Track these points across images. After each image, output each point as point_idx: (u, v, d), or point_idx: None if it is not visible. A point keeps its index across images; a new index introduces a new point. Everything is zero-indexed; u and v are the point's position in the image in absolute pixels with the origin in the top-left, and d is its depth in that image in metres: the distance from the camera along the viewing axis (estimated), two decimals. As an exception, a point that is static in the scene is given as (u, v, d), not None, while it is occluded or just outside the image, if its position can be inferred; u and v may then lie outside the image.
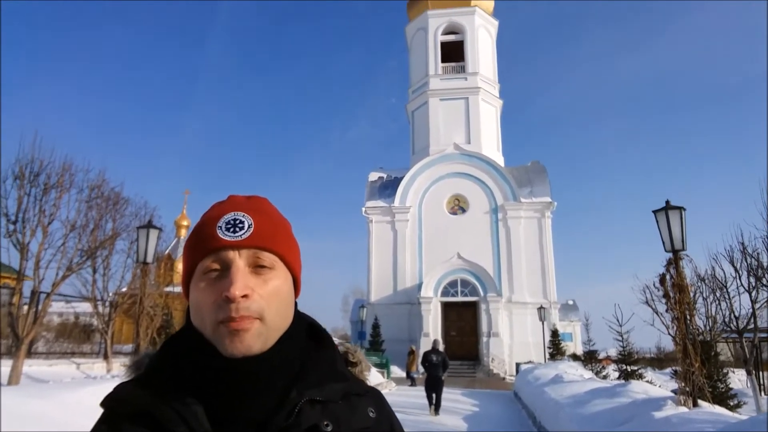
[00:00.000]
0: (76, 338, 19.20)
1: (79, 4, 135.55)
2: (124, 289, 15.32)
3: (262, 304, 0.77)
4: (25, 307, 11.63)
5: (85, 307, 17.46)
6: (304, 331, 0.88)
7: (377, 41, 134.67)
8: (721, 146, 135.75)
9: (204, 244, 0.80)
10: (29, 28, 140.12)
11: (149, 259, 8.92)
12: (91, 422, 0.80)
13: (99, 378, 8.75)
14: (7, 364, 10.53)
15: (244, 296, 0.75)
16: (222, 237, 0.79)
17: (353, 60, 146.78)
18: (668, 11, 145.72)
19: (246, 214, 0.83)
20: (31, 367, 11.69)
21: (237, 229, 0.80)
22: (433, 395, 12.96)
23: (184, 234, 35.17)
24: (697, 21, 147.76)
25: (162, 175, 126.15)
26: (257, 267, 0.80)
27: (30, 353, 12.33)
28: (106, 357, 13.74)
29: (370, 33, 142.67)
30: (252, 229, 0.81)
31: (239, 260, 0.79)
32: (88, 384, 6.34)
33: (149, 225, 8.98)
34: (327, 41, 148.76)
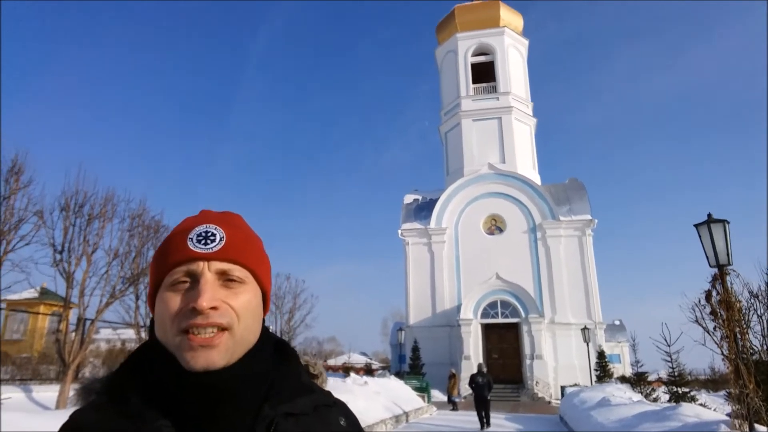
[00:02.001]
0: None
1: (117, 39, 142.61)
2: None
3: (233, 315, 0.76)
4: (73, 334, 12.02)
5: (131, 333, 17.94)
6: (272, 346, 0.87)
7: (408, 66, 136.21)
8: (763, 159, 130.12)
9: (173, 256, 0.79)
10: (72, 61, 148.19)
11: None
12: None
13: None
14: (54, 389, 10.86)
15: (213, 308, 0.74)
16: (192, 248, 0.78)
17: (385, 86, 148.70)
18: (707, 24, 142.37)
19: (218, 227, 0.82)
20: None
21: (208, 241, 0.79)
22: (483, 412, 14.83)
23: (224, 261, 35.90)
24: (735, 33, 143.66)
25: (202, 203, 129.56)
26: (227, 280, 0.79)
27: (77, 378, 12.69)
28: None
29: (400, 59, 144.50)
30: (224, 241, 0.80)
31: (209, 273, 0.77)
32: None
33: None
34: (358, 69, 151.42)
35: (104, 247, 12.18)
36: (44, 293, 21.64)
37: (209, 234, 0.80)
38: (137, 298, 14.17)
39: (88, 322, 11.81)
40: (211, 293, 0.75)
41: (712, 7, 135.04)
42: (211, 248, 0.78)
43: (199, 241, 0.79)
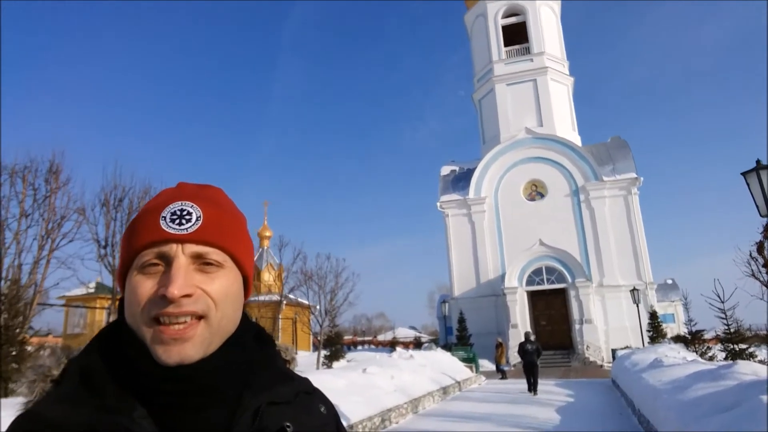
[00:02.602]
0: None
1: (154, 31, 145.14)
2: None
3: (209, 302, 0.70)
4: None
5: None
6: (252, 334, 0.81)
7: (439, 39, 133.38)
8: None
9: (144, 236, 0.71)
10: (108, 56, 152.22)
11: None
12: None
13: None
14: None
15: (187, 296, 0.68)
16: (165, 229, 0.71)
17: (417, 61, 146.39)
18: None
19: (195, 205, 0.74)
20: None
21: (183, 221, 0.72)
22: (531, 378, 15.38)
23: (267, 244, 36.54)
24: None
25: (242, 189, 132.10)
26: (204, 264, 0.71)
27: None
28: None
29: (430, 31, 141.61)
30: (200, 222, 0.72)
31: (182, 256, 0.70)
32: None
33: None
34: (390, 44, 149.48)
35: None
36: (99, 287, 22.69)
37: (184, 213, 0.72)
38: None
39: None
40: (183, 279, 0.68)
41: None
42: (186, 229, 0.71)
43: (173, 221, 0.72)
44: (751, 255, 5.82)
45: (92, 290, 22.28)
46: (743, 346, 12.00)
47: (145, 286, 0.69)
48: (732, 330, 11.85)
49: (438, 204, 34.30)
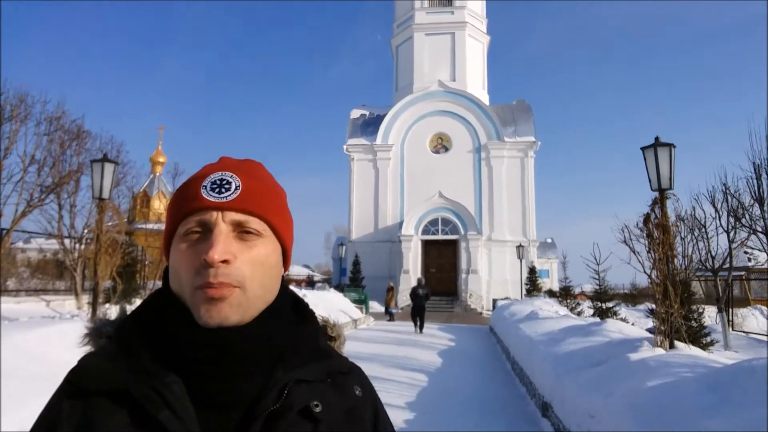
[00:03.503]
0: (51, 275, 18.84)
1: None
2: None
3: (244, 271, 0.71)
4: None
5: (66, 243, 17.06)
6: (290, 307, 0.83)
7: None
8: (709, 88, 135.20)
9: (186, 204, 0.75)
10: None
11: (105, 194, 8.39)
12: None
13: (58, 317, 8.46)
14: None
15: (225, 261, 0.70)
16: (205, 197, 0.74)
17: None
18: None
19: (234, 175, 0.76)
20: (-5, 304, 11.34)
21: (223, 189, 0.74)
22: (417, 319, 16.98)
23: (160, 171, 34.23)
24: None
25: (137, 111, 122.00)
26: (243, 232, 0.74)
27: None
28: (76, 294, 13.46)
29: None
30: (239, 191, 0.75)
31: (222, 223, 0.73)
32: (40, 325, 6.03)
33: (104, 159, 8.40)
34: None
35: (18, 153, 11.09)
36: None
37: (224, 182, 0.75)
38: (60, 207, 13.25)
39: (4, 232, 10.97)
40: (223, 246, 0.70)
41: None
42: (226, 197, 0.74)
43: (213, 189, 0.74)
44: (637, 225, 6.28)
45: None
46: (609, 304, 13.30)
47: (187, 253, 0.72)
48: (602, 289, 13.05)
49: (344, 147, 33.91)
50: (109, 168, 8.34)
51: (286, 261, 0.81)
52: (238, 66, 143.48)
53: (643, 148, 6.25)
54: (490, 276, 30.85)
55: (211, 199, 0.73)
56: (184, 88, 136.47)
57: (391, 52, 38.10)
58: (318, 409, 0.71)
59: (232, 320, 0.70)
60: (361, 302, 23.25)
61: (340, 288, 26.37)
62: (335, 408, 0.74)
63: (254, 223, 0.74)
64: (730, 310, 14.26)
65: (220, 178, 0.75)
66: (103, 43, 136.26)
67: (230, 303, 0.70)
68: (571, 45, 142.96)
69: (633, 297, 32.23)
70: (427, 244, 30.54)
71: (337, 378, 0.79)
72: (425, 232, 30.38)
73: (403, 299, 27.72)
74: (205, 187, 0.74)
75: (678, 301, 5.60)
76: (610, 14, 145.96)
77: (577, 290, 22.89)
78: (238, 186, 0.75)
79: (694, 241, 12.43)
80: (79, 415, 0.67)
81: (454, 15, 35.25)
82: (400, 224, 30.91)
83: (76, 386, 0.69)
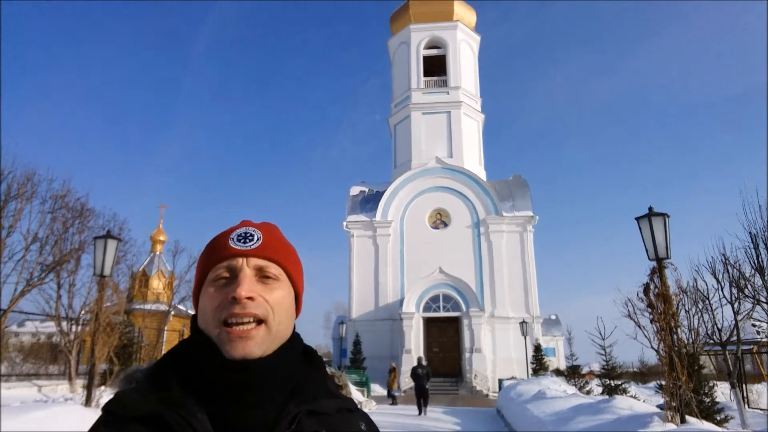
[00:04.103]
0: (44, 359, 18.38)
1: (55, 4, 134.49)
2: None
3: (267, 308, 0.83)
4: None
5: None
6: (300, 349, 0.92)
7: (360, 60, 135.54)
8: (702, 159, 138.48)
9: (216, 253, 0.88)
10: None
11: (107, 271, 8.39)
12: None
13: (51, 401, 8.15)
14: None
15: (250, 298, 0.81)
16: (233, 246, 0.87)
17: (336, 79, 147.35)
18: (644, 31, 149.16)
19: (257, 230, 0.91)
20: (-15, 389, 10.96)
21: (247, 240, 0.88)
22: (421, 400, 16.93)
23: (160, 250, 34.24)
24: (668, 42, 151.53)
25: (139, 191, 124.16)
26: (264, 277, 0.86)
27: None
28: (70, 378, 13.04)
29: (353, 52, 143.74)
30: (261, 241, 0.88)
31: (247, 268, 0.85)
32: (33, 409, 5.80)
33: (107, 235, 8.47)
34: (310, 61, 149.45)
35: (22, 231, 11.19)
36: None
37: (248, 234, 0.89)
38: (59, 287, 13.13)
39: (1, 313, 10.82)
40: (248, 285, 0.82)
41: (647, 15, 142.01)
42: (250, 246, 0.87)
43: (239, 240, 0.88)
44: (638, 295, 6.21)
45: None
46: (618, 381, 12.85)
47: (216, 294, 0.84)
48: (609, 366, 12.67)
49: (344, 223, 34.17)
50: (111, 245, 8.39)
51: (297, 306, 0.93)
52: (238, 145, 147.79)
53: (637, 218, 6.32)
54: (494, 355, 30.02)
55: (238, 247, 0.86)
56: (185, 166, 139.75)
57: (389, 130, 39.37)
58: None
59: (256, 354, 0.80)
60: (362, 384, 22.48)
61: (340, 370, 25.60)
62: None
63: (273, 269, 0.87)
64: (744, 385, 13.78)
65: (244, 231, 0.89)
66: (109, 122, 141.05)
67: (255, 340, 0.80)
68: (565, 120, 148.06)
69: (642, 375, 31.21)
70: (428, 322, 29.96)
71: (345, 414, 0.87)
72: (426, 309, 29.91)
73: (406, 381, 26.81)
74: (233, 238, 0.88)
75: (686, 374, 5.43)
76: (602, 88, 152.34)
77: (585, 369, 22.25)
78: (260, 237, 0.88)
79: (699, 313, 12.21)
80: None
81: (449, 95, 36.77)
82: (401, 301, 30.49)
83: (113, 415, 0.78)
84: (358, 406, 0.92)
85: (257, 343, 0.80)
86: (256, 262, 0.85)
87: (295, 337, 0.90)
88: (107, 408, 0.79)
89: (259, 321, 0.81)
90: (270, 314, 0.82)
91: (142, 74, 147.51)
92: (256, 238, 0.88)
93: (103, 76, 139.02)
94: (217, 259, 0.86)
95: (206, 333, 0.82)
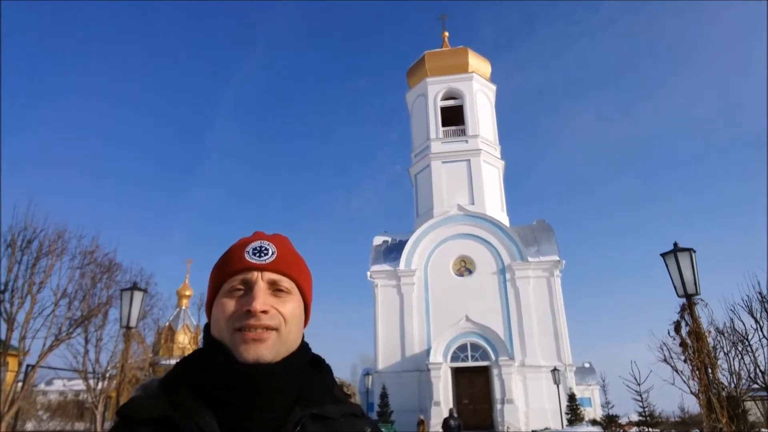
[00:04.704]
0: (70, 416, 18.39)
1: (79, 71, 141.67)
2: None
3: (281, 319, 0.87)
4: (20, 384, 11.10)
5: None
6: (308, 357, 0.96)
7: (379, 113, 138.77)
8: (729, 196, 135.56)
9: (232, 265, 0.91)
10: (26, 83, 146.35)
11: (132, 323, 8.49)
12: None
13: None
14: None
15: (264, 312, 0.85)
16: (248, 260, 0.90)
17: (356, 132, 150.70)
18: (665, 73, 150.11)
19: (271, 243, 0.94)
20: (13, 446, 10.98)
21: (262, 254, 0.91)
22: None
23: (186, 304, 34.53)
24: (688, 83, 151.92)
25: (166, 248, 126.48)
26: (276, 290, 0.90)
27: (15, 432, 11.66)
28: (95, 434, 12.97)
29: (371, 106, 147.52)
30: (275, 255, 0.92)
31: (261, 281, 0.89)
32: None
33: (133, 287, 8.62)
34: (330, 115, 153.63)
35: (51, 287, 11.45)
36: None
37: (263, 248, 0.92)
38: (86, 341, 13.28)
39: (29, 368, 10.94)
40: (263, 298, 0.86)
41: (659, 62, 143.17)
42: (265, 260, 0.90)
43: (254, 254, 0.91)
44: (669, 334, 5.99)
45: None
46: (656, 430, 12.21)
47: (231, 304, 0.87)
48: (647, 413, 12.07)
49: (368, 274, 34.07)
50: (138, 296, 8.53)
51: (306, 316, 0.97)
52: (262, 200, 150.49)
53: (663, 255, 6.18)
54: (527, 406, 28.89)
55: (253, 261, 0.90)
56: (210, 221, 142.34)
57: (410, 180, 39.77)
58: None
59: (267, 358, 0.83)
60: (390, 438, 21.79)
61: (367, 422, 24.85)
62: None
63: (286, 282, 0.91)
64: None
65: (259, 245, 0.93)
66: (137, 179, 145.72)
67: (267, 344, 0.83)
68: (586, 163, 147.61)
69: (684, 424, 29.52)
70: (457, 372, 29.16)
71: (350, 419, 0.90)
72: (454, 358, 29.18)
73: (435, 433, 25.94)
74: (248, 252, 0.91)
75: (726, 416, 5.15)
76: (623, 129, 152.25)
77: (623, 420, 21.23)
78: (274, 252, 0.92)
79: (739, 355, 11.66)
80: None
81: (468, 143, 37.18)
82: (428, 351, 29.85)
83: (126, 417, 0.81)
84: (363, 412, 0.95)
85: (268, 347, 0.83)
86: (270, 276, 0.89)
87: (303, 345, 0.94)
88: (121, 411, 0.82)
89: (272, 329, 0.85)
90: (282, 325, 0.86)
91: (166, 129, 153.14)
92: (270, 252, 0.91)
93: (129, 132, 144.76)
94: (232, 271, 0.89)
95: (219, 340, 0.86)
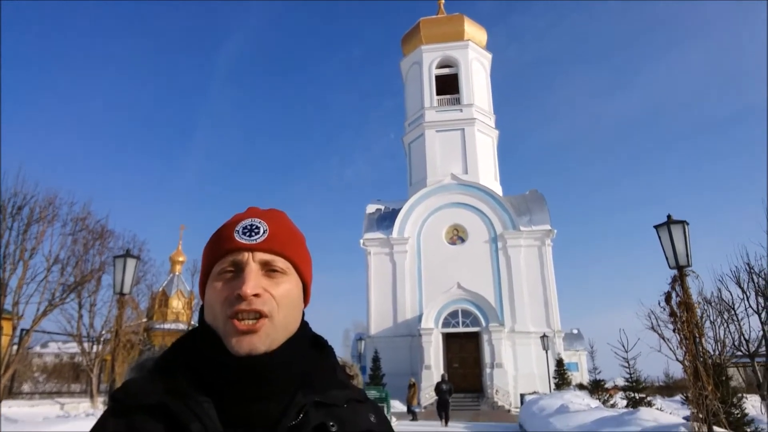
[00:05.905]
0: (66, 378, 18.62)
1: (74, 35, 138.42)
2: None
3: (273, 304, 0.81)
4: (14, 348, 11.20)
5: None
6: (309, 339, 0.91)
7: (373, 81, 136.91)
8: (722, 169, 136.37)
9: (221, 246, 0.85)
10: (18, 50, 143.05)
11: (126, 290, 8.51)
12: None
13: (72, 417, 8.25)
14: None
15: (256, 295, 0.79)
16: (238, 239, 0.84)
17: (350, 100, 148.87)
18: (659, 48, 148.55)
19: (262, 221, 0.88)
20: (11, 408, 11.15)
21: (253, 233, 0.85)
22: (443, 413, 18.57)
23: (179, 270, 34.62)
24: (686, 58, 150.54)
25: (158, 213, 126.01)
26: (270, 270, 0.84)
27: (12, 393, 11.83)
28: (92, 396, 13.17)
29: (366, 71, 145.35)
30: (267, 234, 0.85)
31: (253, 262, 0.83)
32: (55, 423, 5.89)
33: (126, 254, 8.62)
34: (324, 84, 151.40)
35: (44, 253, 11.42)
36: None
37: (254, 227, 0.86)
38: (80, 307, 13.34)
39: (24, 333, 11.01)
40: (254, 281, 0.80)
41: (658, 33, 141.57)
42: (255, 240, 0.84)
43: (244, 233, 0.85)
44: (659, 304, 6.10)
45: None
46: (642, 395, 12.56)
47: (222, 288, 0.82)
48: (633, 378, 12.40)
49: (361, 241, 34.22)
50: (131, 263, 8.52)
51: (306, 296, 0.92)
52: (256, 167, 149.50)
53: (656, 226, 6.23)
54: (516, 370, 29.58)
55: (243, 241, 0.84)
56: (203, 188, 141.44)
57: (404, 148, 39.55)
58: (334, 429, 0.78)
59: (261, 350, 0.79)
60: (381, 401, 22.19)
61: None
62: (350, 429, 0.81)
63: (280, 263, 0.85)
64: (775, 398, 13.36)
65: (250, 223, 0.87)
66: (130, 145, 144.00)
67: (259, 335, 0.79)
68: (581, 134, 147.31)
69: (668, 388, 30.43)
70: (448, 338, 29.69)
71: (354, 405, 0.86)
72: (445, 324, 29.66)
73: (426, 397, 26.53)
74: (238, 231, 0.85)
75: (711, 383, 5.29)
76: (619, 101, 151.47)
77: (609, 384, 21.78)
78: (266, 230, 0.86)
79: (725, 324, 11.94)
80: (122, 430, 0.75)
81: (463, 112, 36.89)
82: (420, 317, 30.30)
83: (120, 403, 0.78)
84: (367, 396, 0.91)
85: (260, 339, 0.78)
86: (261, 256, 0.83)
87: (303, 327, 0.89)
88: (115, 396, 0.79)
89: (264, 315, 0.80)
90: (275, 309, 0.81)
91: (159, 95, 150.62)
92: (262, 230, 0.85)
93: (122, 98, 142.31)
94: (222, 252, 0.84)
95: (213, 326, 0.81)
